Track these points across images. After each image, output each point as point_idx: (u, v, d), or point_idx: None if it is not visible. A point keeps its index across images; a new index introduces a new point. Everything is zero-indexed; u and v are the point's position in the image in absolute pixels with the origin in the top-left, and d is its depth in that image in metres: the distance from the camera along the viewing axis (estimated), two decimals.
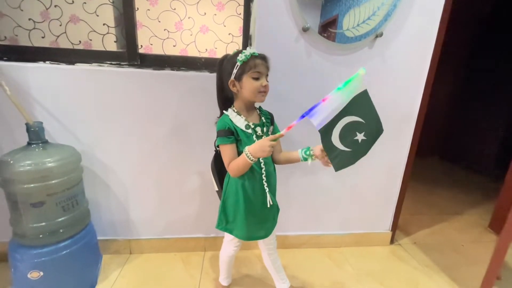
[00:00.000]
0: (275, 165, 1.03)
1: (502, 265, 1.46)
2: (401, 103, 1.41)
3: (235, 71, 0.89)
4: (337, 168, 0.88)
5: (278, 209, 1.07)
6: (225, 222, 1.01)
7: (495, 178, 2.28)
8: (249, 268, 1.39)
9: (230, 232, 1.01)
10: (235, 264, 1.27)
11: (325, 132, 0.84)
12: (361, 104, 0.83)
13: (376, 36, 1.27)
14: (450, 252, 1.62)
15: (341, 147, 0.86)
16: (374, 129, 0.88)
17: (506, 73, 2.85)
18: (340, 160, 0.87)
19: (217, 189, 1.06)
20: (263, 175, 0.94)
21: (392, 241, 1.66)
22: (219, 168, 1.02)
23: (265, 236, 1.03)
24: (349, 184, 1.51)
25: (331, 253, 1.54)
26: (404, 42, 1.31)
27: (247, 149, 0.86)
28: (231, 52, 0.95)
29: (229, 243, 1.09)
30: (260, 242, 1.10)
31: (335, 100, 0.81)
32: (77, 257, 1.14)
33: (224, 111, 0.96)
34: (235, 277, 1.30)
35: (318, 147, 0.92)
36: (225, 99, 0.98)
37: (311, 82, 1.30)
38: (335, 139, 0.85)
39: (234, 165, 0.89)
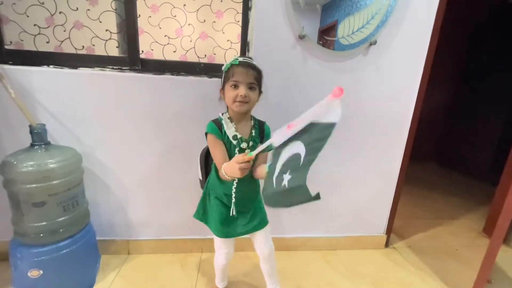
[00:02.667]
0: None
1: (494, 269, 1.48)
2: (395, 109, 1.44)
3: (222, 80, 0.91)
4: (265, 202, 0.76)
5: (258, 219, 1.04)
6: (201, 213, 1.05)
7: (491, 183, 2.30)
8: (246, 270, 1.41)
9: (205, 223, 1.05)
10: (231, 267, 1.28)
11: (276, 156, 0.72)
12: (318, 134, 0.65)
13: (370, 44, 1.30)
14: (444, 255, 1.64)
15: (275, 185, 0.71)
16: (299, 176, 0.66)
17: (504, 79, 2.89)
18: (271, 197, 0.73)
19: (200, 178, 1.08)
20: (233, 186, 0.94)
21: (387, 245, 1.68)
22: (207, 158, 1.05)
23: (237, 235, 1.02)
24: (344, 188, 1.53)
25: (327, 256, 1.56)
26: (397, 49, 1.35)
27: (224, 168, 0.84)
28: (232, 57, 0.97)
29: (218, 250, 1.10)
30: (256, 248, 1.10)
31: (298, 126, 0.69)
32: (76, 256, 1.17)
33: (220, 114, 0.95)
34: (232, 279, 1.32)
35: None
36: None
37: (307, 89, 1.33)
38: (277, 172, 0.71)
39: (222, 175, 0.87)
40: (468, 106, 3.29)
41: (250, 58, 0.92)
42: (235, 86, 0.87)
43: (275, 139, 0.72)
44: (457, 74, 3.34)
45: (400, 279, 1.41)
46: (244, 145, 0.91)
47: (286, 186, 0.67)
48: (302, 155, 0.67)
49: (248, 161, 0.77)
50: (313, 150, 0.66)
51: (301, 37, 1.25)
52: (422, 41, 1.36)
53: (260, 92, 0.94)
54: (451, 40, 2.96)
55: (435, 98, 3.24)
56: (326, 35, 1.29)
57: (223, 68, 0.89)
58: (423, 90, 1.43)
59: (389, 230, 1.66)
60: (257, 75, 0.89)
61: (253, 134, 0.94)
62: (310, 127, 0.67)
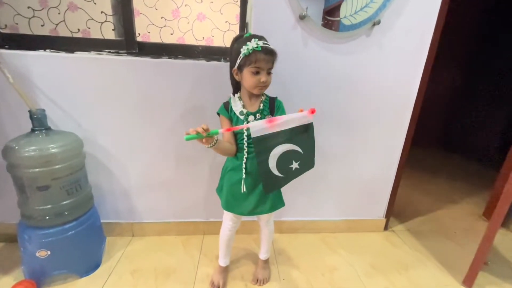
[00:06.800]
0: None
1: (492, 251, 1.50)
2: (398, 91, 1.41)
3: (238, 61, 0.91)
4: (267, 191, 0.93)
5: (269, 204, 1.06)
6: (220, 188, 1.11)
7: (495, 168, 2.29)
8: (248, 250, 1.45)
9: (220, 198, 1.10)
10: (234, 246, 1.31)
11: (262, 152, 0.86)
12: (304, 134, 0.89)
13: (374, 24, 1.26)
14: (442, 238, 1.66)
15: (276, 172, 0.90)
16: (308, 162, 0.95)
17: (510, 61, 2.79)
18: (271, 184, 0.92)
19: None
20: (243, 161, 0.98)
21: (386, 228, 1.71)
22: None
23: (245, 214, 1.06)
24: (345, 171, 1.54)
25: (326, 238, 1.60)
26: (402, 30, 1.30)
27: None
28: (230, 38, 0.97)
29: (225, 219, 1.16)
30: (258, 220, 1.19)
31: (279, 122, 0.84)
32: (82, 237, 1.21)
33: (231, 95, 1.01)
34: (233, 258, 1.35)
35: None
36: (235, 82, 1.00)
37: (307, 70, 1.30)
38: (272, 165, 0.88)
39: None
40: (473, 90, 3.21)
41: (265, 38, 0.93)
42: (257, 73, 0.90)
43: (253, 126, 0.83)
44: (463, 57, 3.23)
45: (397, 260, 1.44)
46: (251, 118, 0.96)
47: (293, 169, 0.93)
48: (299, 150, 0.90)
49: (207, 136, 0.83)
50: (308, 147, 0.92)
51: (302, 18, 1.21)
52: (428, 21, 1.30)
53: None
54: (458, 21, 2.83)
55: (440, 81, 3.16)
56: (329, 15, 1.24)
57: (243, 51, 0.88)
58: (427, 72, 1.39)
59: (389, 213, 1.67)
60: (275, 59, 0.93)
61: (261, 107, 0.98)
62: (292, 130, 0.86)
